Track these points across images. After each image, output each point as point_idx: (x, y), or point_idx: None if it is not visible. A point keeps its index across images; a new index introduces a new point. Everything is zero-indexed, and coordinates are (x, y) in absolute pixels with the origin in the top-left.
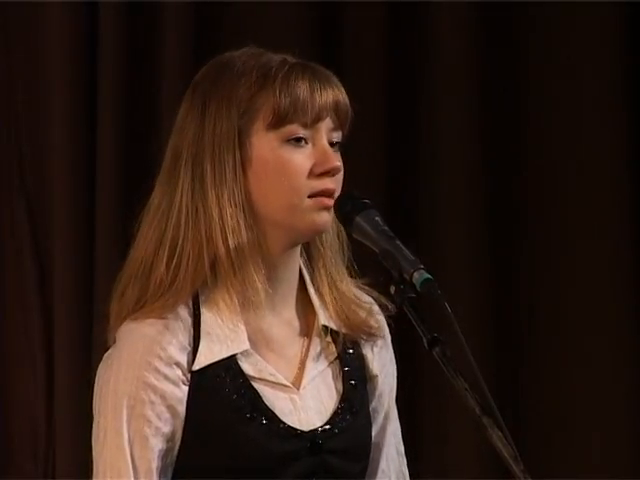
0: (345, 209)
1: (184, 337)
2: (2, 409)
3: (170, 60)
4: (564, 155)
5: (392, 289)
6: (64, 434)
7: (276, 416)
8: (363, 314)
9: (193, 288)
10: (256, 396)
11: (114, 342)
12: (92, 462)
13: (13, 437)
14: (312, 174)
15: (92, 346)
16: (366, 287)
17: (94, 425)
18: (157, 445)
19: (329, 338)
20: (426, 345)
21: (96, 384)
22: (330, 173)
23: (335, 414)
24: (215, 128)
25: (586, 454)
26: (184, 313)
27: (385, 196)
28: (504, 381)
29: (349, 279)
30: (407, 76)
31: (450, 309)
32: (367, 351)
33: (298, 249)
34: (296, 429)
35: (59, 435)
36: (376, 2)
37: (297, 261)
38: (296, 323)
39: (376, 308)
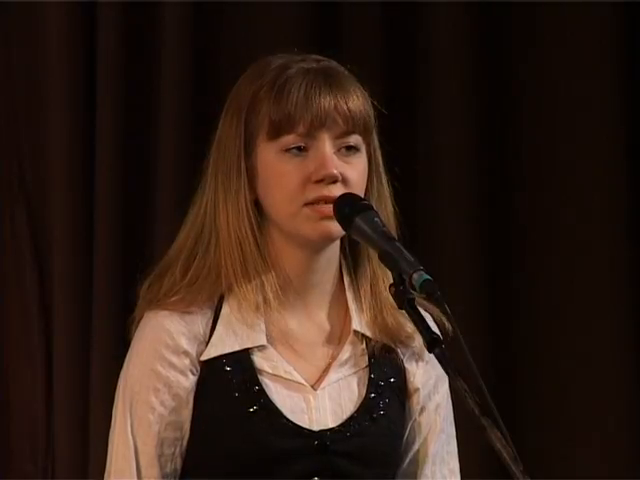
0: (344, 210)
1: (200, 328)
2: (2, 409)
3: (170, 59)
4: (564, 155)
5: (392, 290)
6: (64, 434)
7: (281, 413)
8: (405, 324)
9: (211, 292)
10: (262, 391)
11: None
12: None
13: (13, 437)
14: (310, 181)
15: (92, 346)
16: (425, 302)
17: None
18: (160, 432)
19: (363, 345)
20: (426, 346)
21: None
22: (325, 180)
23: (351, 418)
24: (227, 139)
25: (586, 454)
26: (206, 306)
27: None
28: (503, 382)
29: None
30: (406, 76)
31: (450, 310)
32: (410, 364)
33: (329, 254)
34: (302, 427)
35: (59, 435)
36: (375, 2)
37: (332, 264)
38: (329, 326)
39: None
